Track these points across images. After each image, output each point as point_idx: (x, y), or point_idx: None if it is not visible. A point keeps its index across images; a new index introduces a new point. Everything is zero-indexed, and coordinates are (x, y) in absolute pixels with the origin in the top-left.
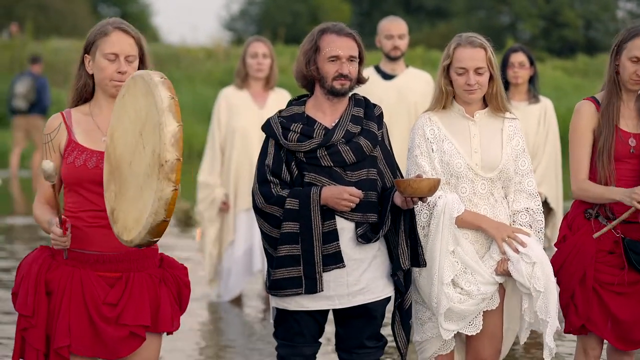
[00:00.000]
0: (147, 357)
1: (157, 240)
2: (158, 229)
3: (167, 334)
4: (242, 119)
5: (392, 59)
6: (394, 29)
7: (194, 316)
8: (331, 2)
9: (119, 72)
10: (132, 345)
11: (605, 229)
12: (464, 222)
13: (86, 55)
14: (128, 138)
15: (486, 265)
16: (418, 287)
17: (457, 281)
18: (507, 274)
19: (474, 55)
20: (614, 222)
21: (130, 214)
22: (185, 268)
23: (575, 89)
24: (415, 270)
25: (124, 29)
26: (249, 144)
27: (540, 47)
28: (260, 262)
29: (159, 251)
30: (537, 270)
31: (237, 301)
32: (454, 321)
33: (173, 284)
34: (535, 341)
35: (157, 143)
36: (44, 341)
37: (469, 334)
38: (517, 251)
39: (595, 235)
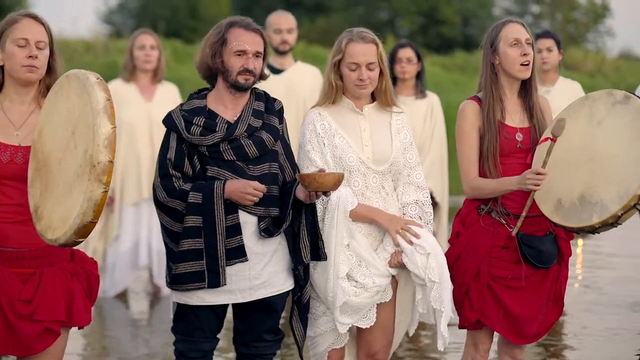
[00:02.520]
0: (56, 352)
1: (82, 241)
2: (85, 230)
3: (79, 328)
4: (129, 112)
5: (281, 53)
6: (282, 23)
7: None
8: None
9: (30, 57)
10: (47, 341)
11: (520, 221)
12: (357, 216)
13: None
14: (58, 136)
15: (380, 258)
16: (312, 282)
17: (352, 274)
18: (401, 265)
19: (366, 51)
20: (523, 213)
21: (56, 213)
22: (96, 262)
23: (453, 85)
24: (310, 265)
25: (33, 16)
26: (135, 138)
27: (419, 43)
28: (146, 257)
29: None
30: (431, 260)
31: (122, 296)
32: (349, 314)
33: (84, 278)
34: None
35: (90, 144)
36: None
37: (363, 327)
38: (410, 243)
39: (514, 232)
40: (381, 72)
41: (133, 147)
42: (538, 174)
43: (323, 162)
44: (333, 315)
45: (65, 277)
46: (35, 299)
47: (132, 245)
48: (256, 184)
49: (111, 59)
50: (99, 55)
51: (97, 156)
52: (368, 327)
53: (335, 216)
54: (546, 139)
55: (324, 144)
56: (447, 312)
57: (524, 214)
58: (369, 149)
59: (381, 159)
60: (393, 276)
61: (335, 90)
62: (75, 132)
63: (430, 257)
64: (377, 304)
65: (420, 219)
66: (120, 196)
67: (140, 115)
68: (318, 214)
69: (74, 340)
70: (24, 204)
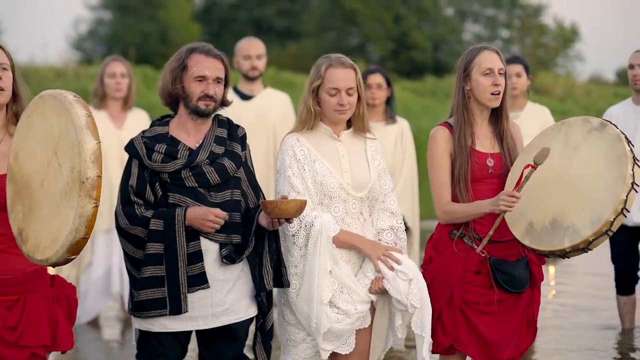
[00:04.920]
0: None
1: (74, 258)
2: (77, 247)
3: (62, 352)
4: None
5: (250, 79)
6: (252, 49)
7: None
8: (181, 22)
9: None
10: None
11: (486, 239)
12: (339, 242)
13: None
14: (38, 157)
15: (361, 284)
16: (295, 309)
17: (334, 301)
18: (382, 291)
19: (346, 76)
20: (490, 232)
21: (44, 233)
22: (74, 287)
23: (424, 110)
24: (293, 291)
25: None
26: (106, 165)
27: (390, 68)
28: (118, 283)
29: None
30: (413, 286)
31: (95, 323)
32: (330, 341)
33: (65, 303)
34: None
35: (77, 160)
36: None
37: (343, 353)
38: (392, 269)
39: (479, 249)
40: (359, 98)
41: (105, 174)
42: (512, 196)
43: (304, 188)
44: (313, 341)
45: (48, 303)
46: (20, 325)
47: (104, 272)
48: (217, 211)
49: (82, 86)
50: (69, 81)
51: (85, 172)
52: (347, 353)
53: (318, 242)
54: (527, 166)
55: (304, 169)
56: (428, 337)
57: (490, 232)
58: (348, 175)
59: (360, 185)
60: (371, 302)
61: (313, 116)
62: (58, 151)
63: (412, 282)
64: (356, 330)
65: (395, 245)
66: None
67: (111, 142)
68: (301, 240)
69: None
70: (3, 232)
